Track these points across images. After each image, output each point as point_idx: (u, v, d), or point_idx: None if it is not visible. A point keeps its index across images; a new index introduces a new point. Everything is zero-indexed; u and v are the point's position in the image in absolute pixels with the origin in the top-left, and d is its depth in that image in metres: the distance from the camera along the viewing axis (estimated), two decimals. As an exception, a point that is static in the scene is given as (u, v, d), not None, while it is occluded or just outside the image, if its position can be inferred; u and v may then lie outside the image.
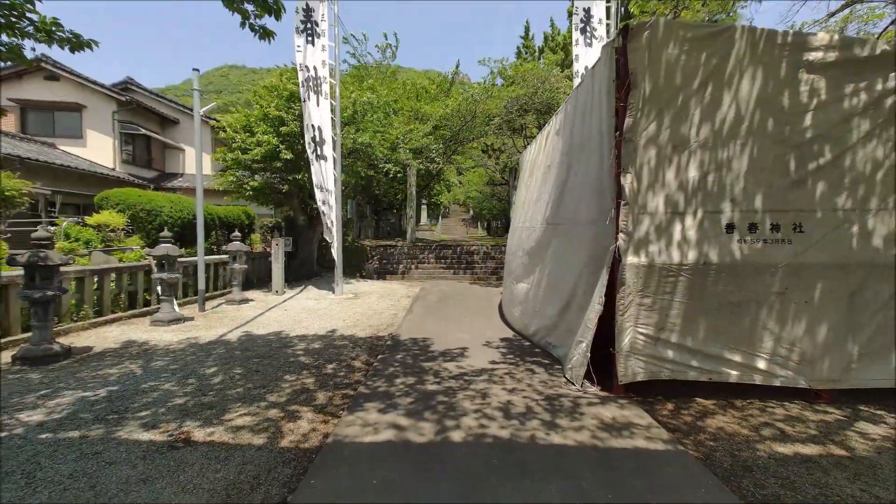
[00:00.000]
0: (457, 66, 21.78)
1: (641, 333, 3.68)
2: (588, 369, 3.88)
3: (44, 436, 2.85)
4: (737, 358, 3.62)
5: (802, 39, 3.49)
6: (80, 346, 5.08)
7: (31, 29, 3.33)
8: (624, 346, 3.68)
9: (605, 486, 2.38)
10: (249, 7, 3.68)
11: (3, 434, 2.86)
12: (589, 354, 3.88)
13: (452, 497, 2.26)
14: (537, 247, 5.89)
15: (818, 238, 3.53)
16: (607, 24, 8.78)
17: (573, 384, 3.94)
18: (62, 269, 4.89)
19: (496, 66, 16.10)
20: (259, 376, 4.15)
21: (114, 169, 14.73)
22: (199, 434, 2.93)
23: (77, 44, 3.55)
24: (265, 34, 4.01)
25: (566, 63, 17.66)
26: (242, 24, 3.85)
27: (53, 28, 3.31)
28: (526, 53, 23.69)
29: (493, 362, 4.70)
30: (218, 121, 9.75)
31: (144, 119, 16.23)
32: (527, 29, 24.56)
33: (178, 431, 2.95)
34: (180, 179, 16.77)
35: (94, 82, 14.74)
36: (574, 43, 8.49)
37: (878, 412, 3.40)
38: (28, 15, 3.20)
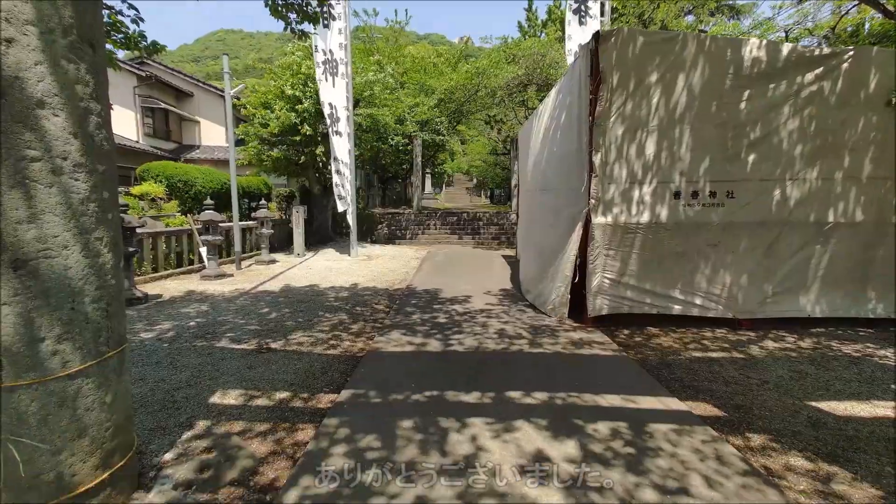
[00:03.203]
0: (466, 42, 21.94)
1: (607, 278, 4.70)
2: (566, 306, 4.93)
3: (166, 345, 3.98)
4: (680, 296, 4.65)
5: (738, 44, 4.31)
6: (152, 294, 6.21)
7: (121, 38, 4.21)
8: (593, 287, 4.71)
9: (565, 373, 3.47)
10: (292, 15, 4.49)
11: (145, 338, 3.98)
12: (568, 295, 4.91)
13: (459, 378, 3.35)
14: (532, 213, 6.85)
15: (745, 202, 4.47)
16: (601, 3, 9.31)
17: (551, 318, 5.01)
18: (137, 230, 5.94)
19: (499, 42, 16.47)
20: (304, 314, 5.25)
21: (137, 142, 15.60)
22: (275, 346, 4.04)
23: (153, 49, 4.43)
24: (303, 35, 4.84)
25: (565, 36, 17.92)
26: (285, 29, 4.67)
27: (139, 39, 4.19)
28: (528, 27, 23.69)
29: (491, 304, 5.78)
30: (238, 98, 10.51)
31: (162, 93, 16.93)
32: (530, 2, 24.45)
33: (259, 343, 4.06)
34: (198, 151, 17.62)
35: (117, 58, 15.36)
36: (567, 23, 9.08)
37: (783, 335, 4.45)
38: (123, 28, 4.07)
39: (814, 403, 2.92)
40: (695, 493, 1.98)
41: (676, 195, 4.54)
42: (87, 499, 1.76)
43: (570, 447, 2.34)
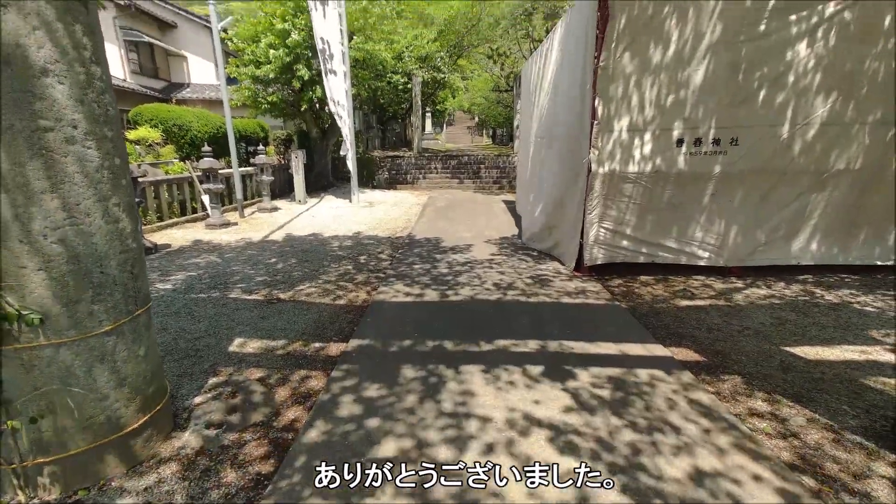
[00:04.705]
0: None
1: (604, 228, 4.79)
2: (576, 256, 4.96)
3: (182, 296, 4.18)
4: (674, 245, 4.78)
5: (754, -24, 4.02)
6: (160, 244, 6.35)
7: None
8: (590, 238, 4.81)
9: (557, 318, 3.69)
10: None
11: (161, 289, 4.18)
12: (578, 246, 4.95)
13: (458, 327, 3.57)
14: (534, 159, 6.78)
15: (747, 149, 4.44)
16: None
17: (563, 264, 5.14)
18: (139, 180, 5.94)
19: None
20: (310, 264, 5.42)
21: (124, 80, 14.93)
22: (284, 296, 4.24)
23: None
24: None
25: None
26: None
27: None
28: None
29: (491, 253, 5.94)
30: (226, 31, 9.86)
31: (144, 24, 15.88)
32: None
33: (269, 294, 4.27)
34: (188, 90, 16.91)
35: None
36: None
37: (770, 281, 4.63)
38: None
39: (788, 349, 3.15)
40: (668, 432, 2.24)
41: (679, 142, 4.49)
42: (134, 437, 2.01)
43: (559, 394, 2.59)
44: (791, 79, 4.27)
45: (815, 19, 4.11)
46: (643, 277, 4.84)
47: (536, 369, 2.84)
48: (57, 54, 1.64)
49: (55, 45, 1.63)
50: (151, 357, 2.13)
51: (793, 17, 4.09)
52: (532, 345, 3.19)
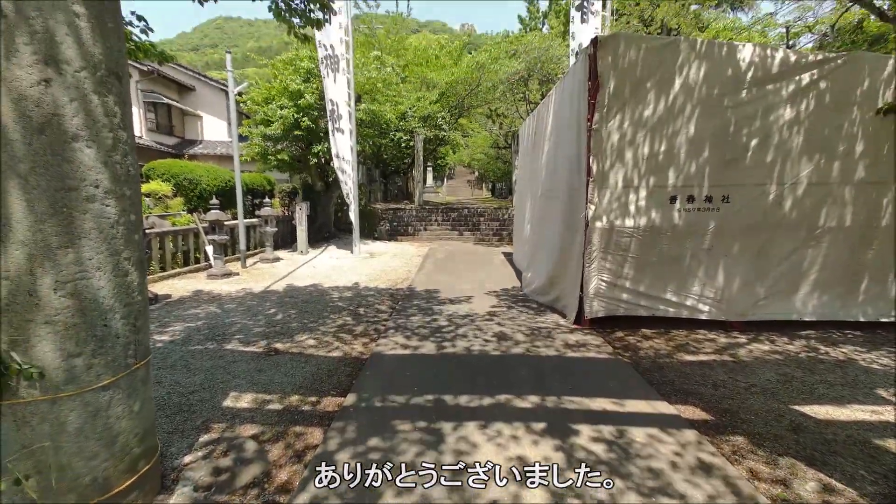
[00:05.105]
0: (468, 34, 21.87)
1: (603, 280, 4.83)
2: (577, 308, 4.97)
3: (179, 348, 4.13)
4: (673, 298, 4.79)
5: (733, 49, 4.39)
6: (161, 294, 6.36)
7: (131, 47, 4.31)
8: (590, 290, 4.84)
9: (559, 372, 3.63)
10: (295, 20, 4.57)
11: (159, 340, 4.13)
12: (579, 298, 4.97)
13: (459, 381, 3.50)
14: (535, 213, 6.96)
15: (740, 206, 4.59)
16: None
17: (565, 317, 5.12)
18: (146, 231, 6.07)
19: (500, 35, 16.42)
20: (309, 315, 5.40)
21: (141, 137, 15.65)
22: (282, 348, 4.19)
23: (164, 58, 4.53)
24: (306, 39, 4.92)
25: (567, 31, 17.90)
26: (288, 33, 4.75)
27: (149, 49, 4.29)
28: (529, 19, 23.55)
29: (491, 305, 5.92)
30: (241, 94, 10.55)
31: (164, 87, 16.94)
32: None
33: (267, 346, 4.22)
34: (200, 146, 17.68)
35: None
36: (570, 20, 9.11)
37: (773, 336, 4.59)
38: (133, 38, 4.16)
39: (797, 407, 3.07)
40: (675, 492, 2.14)
41: (672, 199, 4.65)
42: (118, 500, 1.92)
43: (562, 451, 2.50)
44: (776, 141, 4.52)
45: (792, 87, 4.42)
46: (644, 330, 4.80)
47: (539, 426, 2.75)
48: (89, 121, 1.77)
49: (88, 114, 1.76)
50: (146, 413, 2.09)
51: (770, 87, 4.40)
52: (533, 399, 3.12)
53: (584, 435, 2.66)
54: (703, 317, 4.77)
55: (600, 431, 2.70)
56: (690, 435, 2.68)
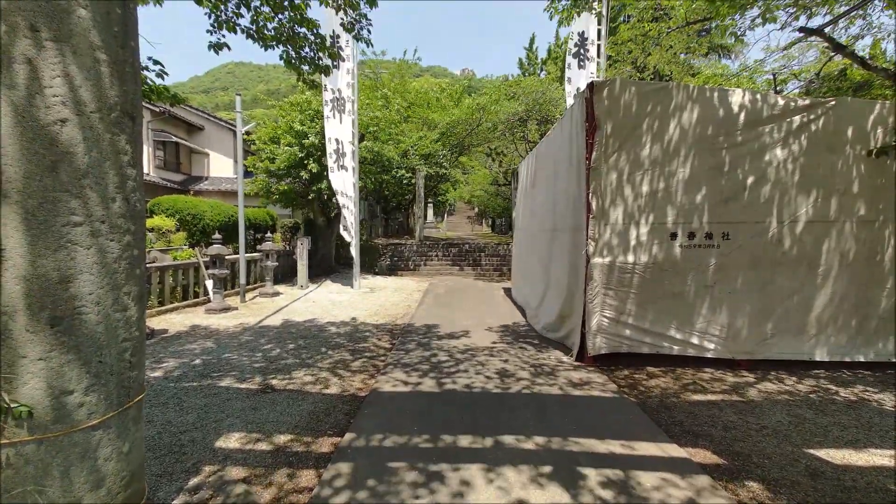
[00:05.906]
0: (469, 78, 22.89)
1: (605, 317, 4.78)
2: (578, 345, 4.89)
3: (172, 384, 4.03)
4: (678, 335, 4.72)
5: (724, 93, 4.56)
6: (157, 329, 6.28)
7: (146, 90, 4.49)
8: (592, 327, 4.78)
9: (563, 413, 3.51)
10: (305, 67, 4.79)
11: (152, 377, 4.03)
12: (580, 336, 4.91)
13: (460, 420, 3.39)
14: (539, 250, 6.99)
15: (740, 243, 4.62)
16: (598, 45, 9.80)
17: (570, 353, 5.02)
18: (147, 266, 6.08)
19: (500, 79, 17.17)
20: (307, 351, 5.31)
21: (148, 174, 16.02)
22: (278, 385, 4.09)
23: (177, 101, 4.72)
24: (314, 85, 5.14)
25: (564, 77, 18.75)
26: (298, 79, 4.97)
27: (164, 91, 4.47)
28: (528, 64, 24.74)
29: (492, 341, 5.83)
30: (249, 133, 10.93)
31: (174, 127, 17.51)
32: (531, 41, 25.67)
33: (263, 383, 4.12)
34: (206, 182, 18.03)
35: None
36: (567, 66, 9.54)
37: (782, 376, 4.49)
38: (148, 82, 4.35)
39: (812, 451, 2.95)
40: (694, 546, 2.02)
41: (673, 236, 4.68)
42: (101, 549, 1.81)
43: (568, 496, 2.38)
44: (773, 179, 4.61)
45: (784, 129, 4.56)
46: (650, 368, 4.70)
47: (544, 468, 2.64)
48: (100, 159, 1.81)
49: (100, 153, 1.81)
50: (135, 455, 2.01)
51: (763, 129, 4.54)
52: (538, 440, 3.00)
53: (592, 479, 2.54)
54: (710, 355, 4.68)
55: (607, 475, 2.58)
56: (704, 480, 2.56)
